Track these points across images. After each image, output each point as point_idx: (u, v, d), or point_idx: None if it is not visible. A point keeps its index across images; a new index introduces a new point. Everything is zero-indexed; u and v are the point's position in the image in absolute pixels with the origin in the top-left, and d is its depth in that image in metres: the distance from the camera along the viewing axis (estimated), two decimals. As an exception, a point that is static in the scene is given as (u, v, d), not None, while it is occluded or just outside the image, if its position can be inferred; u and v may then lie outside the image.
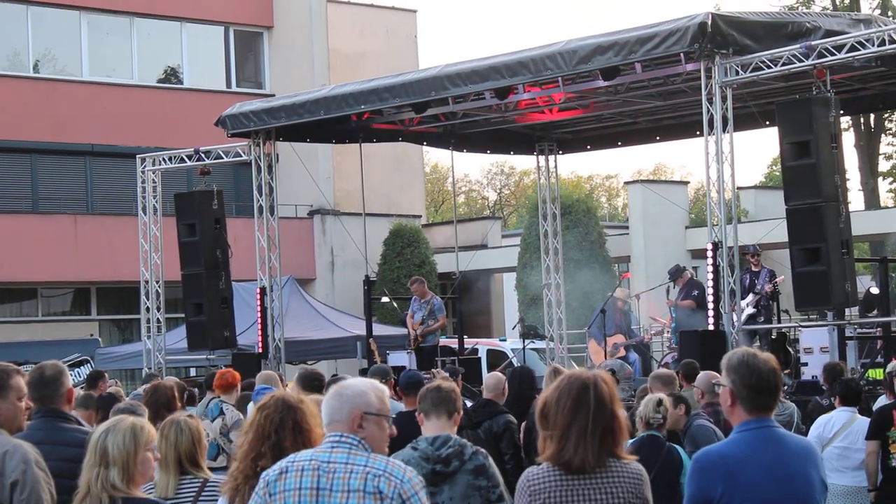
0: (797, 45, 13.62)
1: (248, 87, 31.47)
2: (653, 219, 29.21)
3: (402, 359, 17.54)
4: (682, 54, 14.36)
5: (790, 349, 15.80)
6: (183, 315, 20.17)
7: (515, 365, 16.06)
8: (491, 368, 19.05)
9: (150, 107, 29.24)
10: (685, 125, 19.00)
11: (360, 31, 32.54)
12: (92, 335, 26.67)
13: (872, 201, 37.23)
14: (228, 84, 31.33)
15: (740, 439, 4.59)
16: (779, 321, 16.26)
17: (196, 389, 13.64)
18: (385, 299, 21.25)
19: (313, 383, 8.76)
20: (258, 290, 18.77)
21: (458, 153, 21.42)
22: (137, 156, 20.56)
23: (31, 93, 28.10)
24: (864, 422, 9.56)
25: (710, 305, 14.39)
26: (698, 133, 16.49)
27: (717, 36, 13.75)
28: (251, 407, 10.57)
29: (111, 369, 20.72)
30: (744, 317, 15.43)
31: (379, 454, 4.42)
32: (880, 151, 39.77)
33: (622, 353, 18.02)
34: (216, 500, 5.55)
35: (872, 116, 37.18)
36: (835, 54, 13.34)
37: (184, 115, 28.96)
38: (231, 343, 18.72)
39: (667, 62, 15.32)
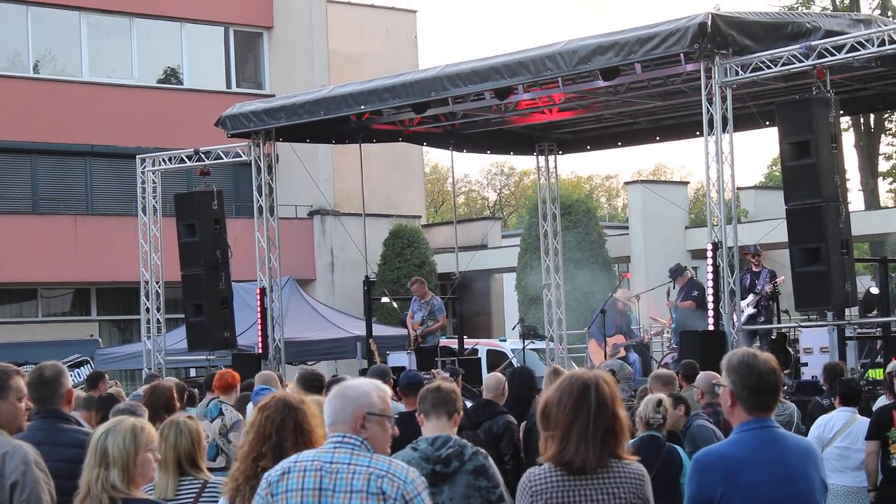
0: (797, 46, 13.63)
1: (248, 87, 31.48)
2: (653, 219, 29.21)
3: (401, 359, 17.54)
4: (681, 54, 14.36)
5: (790, 349, 15.80)
6: (183, 315, 20.17)
7: (515, 365, 16.06)
8: (491, 369, 19.04)
9: (150, 107, 29.25)
10: (685, 125, 19.00)
11: (360, 32, 32.54)
12: (92, 336, 26.68)
13: (872, 201, 37.24)
14: (228, 84, 31.34)
15: (740, 439, 4.59)
16: (779, 321, 16.25)
17: (196, 390, 13.65)
18: (385, 300, 21.25)
19: (313, 384, 8.76)
20: (258, 291, 18.77)
21: (457, 153, 21.44)
22: (137, 156, 20.57)
23: (31, 93, 28.10)
24: (864, 422, 9.56)
25: (710, 306, 14.39)
26: (698, 133, 16.49)
27: (716, 36, 13.76)
28: (250, 407, 10.60)
29: (111, 370, 20.70)
30: (744, 317, 15.43)
31: (381, 455, 4.42)
32: (880, 151, 39.78)
33: (622, 353, 18.02)
34: (216, 502, 5.55)
35: (872, 116, 37.19)
36: (835, 54, 13.34)
37: (184, 116, 28.97)
38: (231, 343, 18.72)
39: (667, 62, 15.32)
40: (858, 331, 15.78)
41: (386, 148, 26.38)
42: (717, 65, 13.95)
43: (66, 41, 29.17)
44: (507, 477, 7.19)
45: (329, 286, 29.96)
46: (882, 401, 10.43)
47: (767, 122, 15.89)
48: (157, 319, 20.03)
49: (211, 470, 6.03)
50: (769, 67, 13.80)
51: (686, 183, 40.51)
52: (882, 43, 13.08)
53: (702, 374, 9.78)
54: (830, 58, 13.37)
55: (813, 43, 13.53)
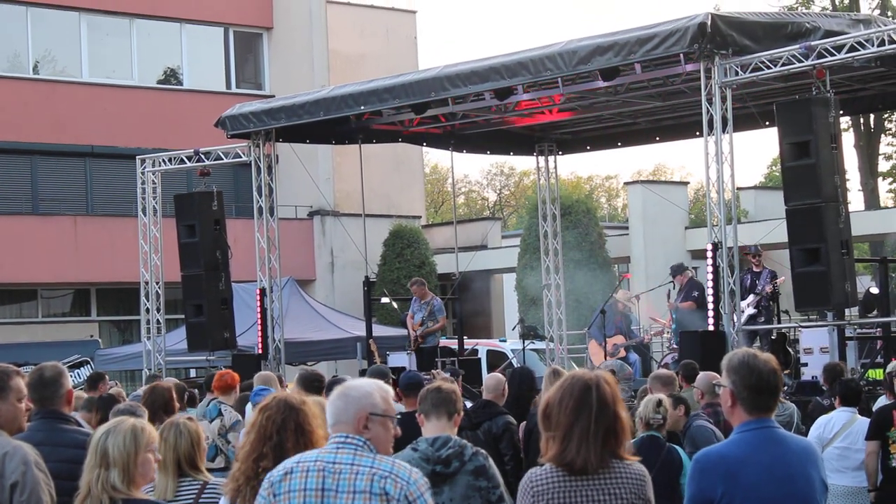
0: (797, 46, 13.63)
1: (248, 88, 31.48)
2: (652, 219, 29.21)
3: (402, 360, 17.54)
4: (681, 55, 14.36)
5: (790, 349, 15.80)
6: (183, 316, 20.17)
7: (515, 366, 16.06)
8: (491, 369, 19.04)
9: (150, 108, 29.25)
10: (685, 126, 19.00)
11: (360, 32, 32.55)
12: (92, 336, 26.68)
13: (872, 201, 37.24)
14: (228, 85, 31.34)
15: (741, 440, 4.59)
16: (779, 321, 16.25)
17: (196, 391, 13.65)
18: (385, 300, 21.25)
19: (313, 384, 8.76)
20: (258, 291, 18.77)
21: (457, 154, 21.45)
22: (137, 157, 20.57)
23: (31, 94, 28.10)
24: (864, 422, 9.56)
25: (710, 306, 14.39)
26: (698, 133, 16.49)
27: (716, 36, 13.76)
28: (249, 408, 10.60)
29: (111, 370, 20.72)
30: (745, 317, 15.43)
31: (384, 455, 4.42)
32: (880, 152, 39.78)
33: (622, 353, 18.02)
34: (216, 502, 5.55)
35: (872, 117, 37.19)
36: (834, 55, 13.34)
37: (183, 116, 28.97)
38: (231, 344, 18.72)
39: (666, 63, 15.32)
40: (858, 331, 15.78)
41: (386, 148, 26.38)
42: (716, 65, 13.95)
43: (65, 42, 29.17)
44: (506, 477, 7.19)
45: (329, 287, 29.96)
46: (882, 401, 10.43)
47: (767, 123, 15.89)
48: (157, 320, 20.03)
49: (210, 470, 6.03)
50: (769, 67, 13.80)
51: (686, 183, 40.51)
52: (882, 43, 13.08)
53: (702, 375, 9.78)
54: (830, 58, 13.37)
55: (813, 43, 13.53)
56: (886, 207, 37.36)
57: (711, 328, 14.22)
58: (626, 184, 39.37)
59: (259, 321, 18.69)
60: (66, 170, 29.18)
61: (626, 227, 31.73)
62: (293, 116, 18.06)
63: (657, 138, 20.44)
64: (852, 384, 10.11)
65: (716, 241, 14.34)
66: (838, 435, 9.60)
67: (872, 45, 13.15)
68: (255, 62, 32.19)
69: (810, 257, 13.34)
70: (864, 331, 16.18)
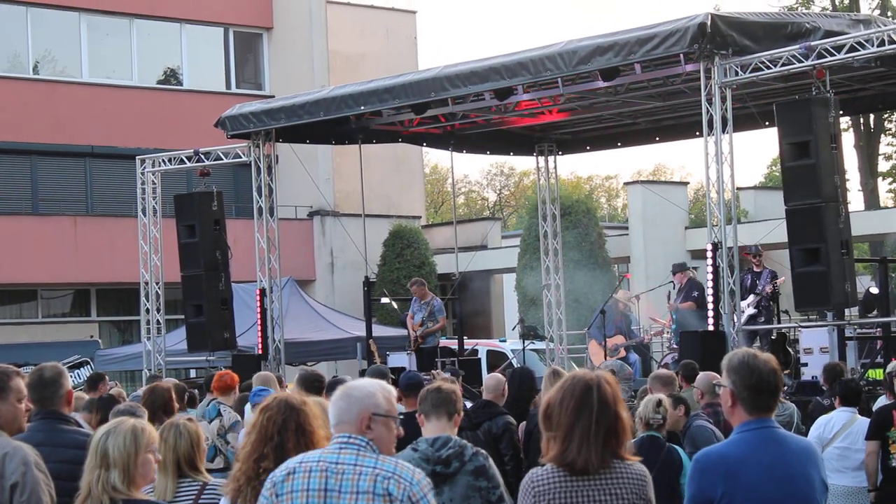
0: (797, 46, 13.63)
1: (248, 88, 31.48)
2: (652, 219, 29.20)
3: (402, 360, 17.55)
4: (681, 55, 14.36)
5: (790, 350, 15.80)
6: (183, 316, 20.17)
7: (515, 366, 16.05)
8: (491, 369, 19.04)
9: (150, 108, 29.25)
10: (685, 126, 19.00)
11: (360, 32, 32.55)
12: (92, 337, 26.68)
13: (872, 201, 37.24)
14: (228, 85, 31.34)
15: (741, 440, 4.59)
16: (779, 322, 16.26)
17: (196, 391, 13.65)
18: (385, 300, 21.25)
19: (313, 384, 8.76)
20: (258, 292, 18.77)
21: (457, 154, 21.45)
22: (137, 157, 20.57)
23: (30, 94, 28.10)
24: (864, 422, 9.56)
25: (710, 306, 14.39)
26: (698, 133, 16.49)
27: (716, 36, 13.76)
28: (248, 408, 10.60)
29: (111, 371, 20.71)
30: (745, 317, 15.43)
31: (387, 455, 4.42)
32: (880, 152, 39.79)
33: (622, 353, 18.02)
34: (215, 503, 5.56)
35: (872, 117, 37.20)
36: (834, 55, 13.34)
37: (183, 117, 28.97)
38: (231, 344, 18.72)
39: (666, 63, 15.32)
40: (858, 331, 15.78)
41: (386, 148, 26.38)
42: (716, 65, 13.95)
43: (65, 42, 29.17)
44: (506, 477, 7.19)
45: (329, 287, 29.96)
46: (882, 401, 10.42)
47: (767, 123, 15.89)
48: (157, 320, 20.03)
49: (209, 471, 6.03)
50: (769, 68, 13.80)
51: (686, 183, 40.50)
52: (882, 43, 13.08)
53: (702, 375, 9.78)
54: (830, 58, 13.37)
55: (812, 43, 13.53)
56: (886, 207, 37.36)
57: (711, 328, 14.22)
58: (626, 184, 39.37)
59: (259, 321, 18.69)
60: (66, 170, 29.18)
61: (626, 228, 31.72)
62: (293, 117, 18.06)
63: (657, 138, 20.44)
64: (852, 384, 10.11)
65: (716, 241, 14.34)
66: (838, 435, 9.60)
67: (872, 46, 13.15)
68: (254, 62, 32.19)
69: (810, 257, 13.34)
70: (864, 331, 16.18)
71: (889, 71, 15.20)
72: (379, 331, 20.31)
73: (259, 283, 18.81)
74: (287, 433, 4.77)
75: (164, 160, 20.10)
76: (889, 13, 37.53)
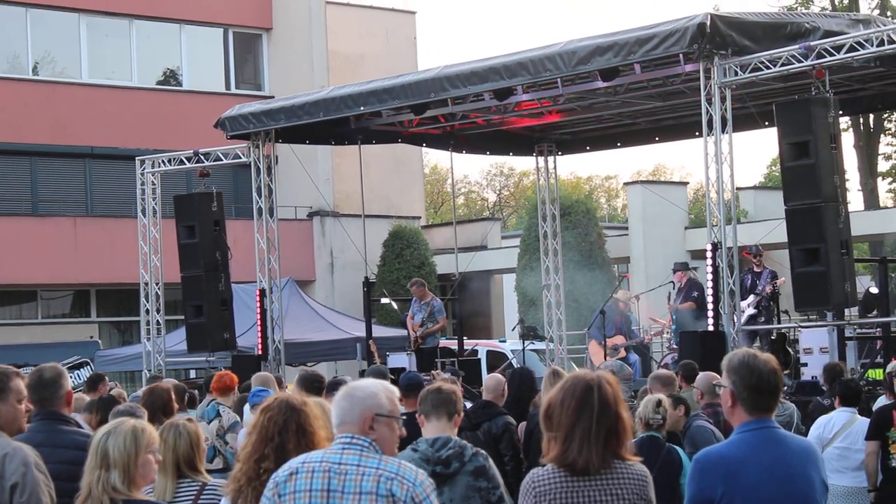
0: (796, 46, 13.63)
1: (248, 88, 31.47)
2: (652, 219, 29.20)
3: (401, 360, 17.54)
4: (681, 55, 14.36)
5: (790, 350, 15.80)
6: (183, 317, 20.17)
7: (515, 366, 16.05)
8: (490, 370, 19.03)
9: (150, 109, 29.24)
10: (684, 126, 19.01)
11: (360, 33, 32.54)
12: (91, 337, 26.67)
13: (872, 202, 37.25)
14: (228, 86, 31.33)
15: (741, 440, 4.59)
16: (778, 322, 16.26)
17: (196, 392, 13.65)
18: (385, 300, 21.24)
19: (313, 385, 8.76)
20: (258, 292, 18.76)
21: (457, 154, 21.44)
22: (137, 158, 20.57)
23: (30, 95, 28.10)
24: (863, 422, 9.55)
25: (710, 306, 14.38)
26: (697, 134, 16.49)
27: (716, 36, 13.76)
28: (246, 409, 10.61)
29: (111, 372, 20.73)
30: (745, 317, 15.43)
31: (390, 456, 4.42)
32: (879, 152, 39.79)
33: (622, 353, 18.02)
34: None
35: (872, 117, 37.20)
36: (834, 55, 13.34)
37: (183, 117, 28.97)
38: (231, 345, 18.72)
39: (666, 63, 15.32)
40: (858, 331, 15.78)
41: (385, 149, 26.38)
42: (716, 65, 13.95)
43: (65, 43, 29.17)
44: (506, 478, 7.19)
45: (329, 287, 29.95)
46: (882, 401, 10.42)
47: (767, 123, 15.90)
48: (157, 321, 20.03)
49: (208, 472, 6.03)
50: (768, 68, 13.80)
51: (685, 183, 40.50)
52: (881, 43, 13.08)
53: (701, 375, 9.77)
54: (829, 58, 13.37)
55: (812, 43, 13.53)
56: (886, 207, 37.36)
57: (711, 328, 14.22)
58: (626, 184, 39.36)
59: (259, 322, 18.69)
60: (66, 171, 29.18)
61: (626, 228, 31.72)
62: (293, 117, 18.06)
63: (657, 138, 20.45)
64: (852, 384, 10.11)
65: (715, 241, 14.34)
66: (838, 435, 9.60)
67: (872, 46, 13.15)
68: (254, 63, 32.19)
69: (810, 257, 13.34)
70: (864, 331, 16.18)
71: (888, 71, 15.20)
72: (379, 331, 20.30)
73: (259, 283, 18.81)
74: (288, 434, 4.77)
75: (163, 161, 20.10)
76: (888, 13, 37.53)
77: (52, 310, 29.61)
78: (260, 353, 18.41)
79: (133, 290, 22.36)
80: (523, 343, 19.52)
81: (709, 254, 14.40)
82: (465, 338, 20.26)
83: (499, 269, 31.62)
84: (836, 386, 10.18)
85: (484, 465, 6.05)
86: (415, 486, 4.29)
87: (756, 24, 14.36)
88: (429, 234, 32.21)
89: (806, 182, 13.31)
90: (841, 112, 15.71)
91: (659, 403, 7.97)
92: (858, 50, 13.24)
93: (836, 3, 37.76)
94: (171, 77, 31.10)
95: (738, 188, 26.15)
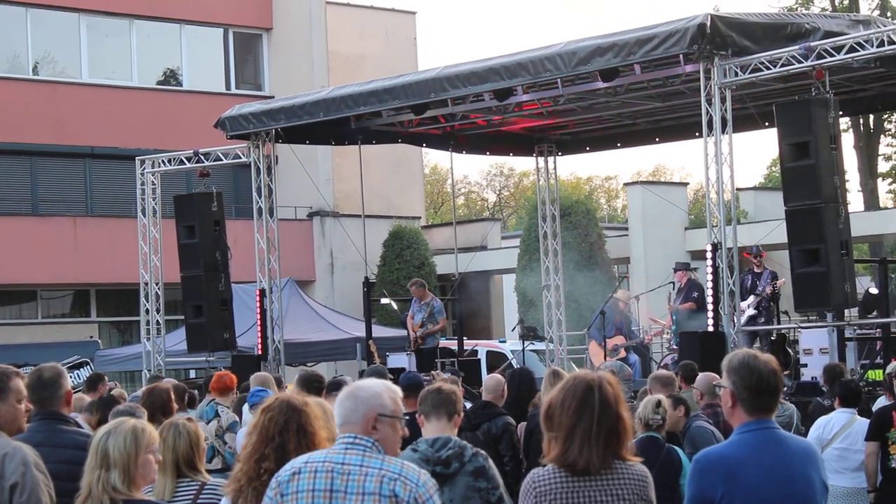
0: (796, 47, 13.63)
1: (248, 88, 31.47)
2: (652, 220, 29.20)
3: (401, 360, 17.54)
4: (681, 55, 14.36)
5: (790, 350, 15.80)
6: (182, 317, 20.17)
7: (515, 366, 16.05)
8: (490, 370, 19.03)
9: (150, 109, 29.24)
10: (684, 126, 19.00)
11: (360, 33, 32.55)
12: (91, 337, 26.66)
13: (872, 202, 37.25)
14: (228, 86, 31.33)
15: (741, 441, 4.59)
16: (778, 322, 16.25)
17: (196, 392, 13.65)
18: (385, 301, 21.24)
19: (313, 385, 8.76)
20: (258, 292, 18.76)
21: (457, 154, 21.44)
22: (137, 158, 20.57)
23: (31, 95, 28.10)
24: (863, 423, 9.55)
25: (710, 307, 14.38)
26: (697, 134, 16.48)
27: (716, 37, 13.76)
28: (245, 409, 10.60)
29: (111, 371, 20.73)
30: (745, 318, 15.42)
31: (392, 456, 4.42)
32: (879, 152, 39.80)
33: (622, 354, 18.02)
34: (214, 503, 5.56)
35: (872, 117, 37.20)
36: (834, 55, 13.34)
37: (183, 117, 28.97)
38: (231, 345, 18.71)
39: (666, 63, 15.32)
40: (858, 332, 15.78)
41: (385, 149, 26.38)
42: (716, 66, 13.95)
43: (65, 43, 29.17)
44: (506, 478, 7.19)
45: (329, 287, 29.95)
46: (882, 402, 10.42)
47: (767, 123, 15.89)
48: (157, 321, 20.03)
49: (207, 472, 6.02)
50: (768, 68, 13.80)
51: (685, 184, 40.48)
52: (881, 44, 13.08)
53: (701, 376, 9.77)
54: (830, 59, 13.37)
55: (812, 44, 13.53)
56: (886, 208, 37.37)
57: (711, 329, 14.21)
58: (626, 184, 39.36)
59: (259, 322, 18.68)
60: (66, 171, 29.18)
61: (626, 228, 31.72)
62: (293, 117, 18.06)
63: (657, 139, 20.45)
64: (852, 385, 10.10)
65: (715, 241, 14.33)
66: (837, 436, 9.59)
67: (872, 46, 13.15)
68: (254, 63, 32.19)
69: (810, 258, 13.34)
70: (864, 331, 16.18)
71: (889, 71, 15.20)
72: (379, 331, 20.30)
73: (259, 283, 18.81)
74: (288, 434, 4.76)
75: (163, 161, 20.10)
76: (889, 14, 37.53)
77: (52, 310, 29.61)
78: (260, 353, 18.40)
79: (133, 290, 22.36)
80: (523, 343, 19.52)
81: (709, 254, 14.40)
82: (464, 338, 20.26)
83: (499, 269, 31.62)
84: (836, 387, 10.17)
85: (484, 466, 6.05)
86: (418, 487, 4.29)
87: (756, 25, 14.36)
88: (429, 234, 32.21)
89: (806, 183, 13.31)
90: (841, 113, 15.71)
91: (658, 404, 7.97)
92: (858, 51, 13.23)
93: (837, 4, 37.77)
94: (171, 77, 31.10)
95: (738, 189, 26.12)
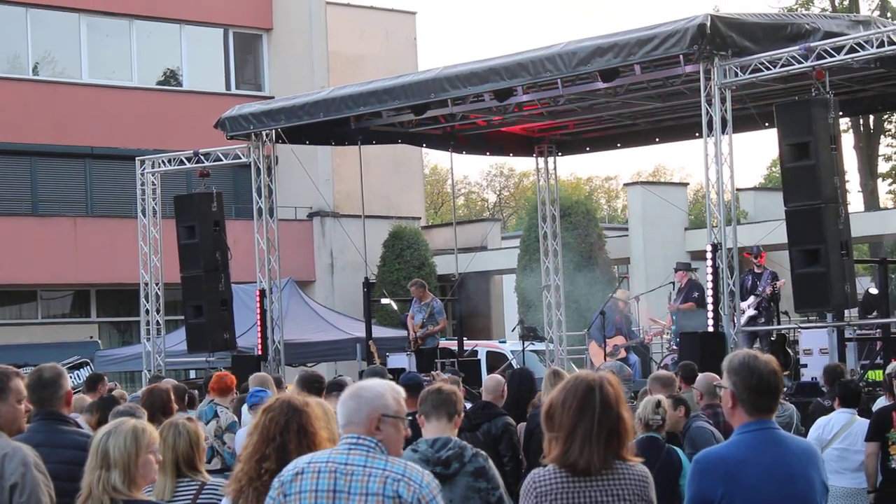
0: (796, 47, 13.63)
1: (248, 89, 31.47)
2: (652, 220, 29.20)
3: (401, 361, 17.54)
4: (681, 56, 14.36)
5: (790, 351, 15.79)
6: (182, 317, 20.17)
7: (515, 367, 16.04)
8: (490, 370, 19.03)
9: (150, 109, 29.25)
10: (684, 127, 19.00)
11: (360, 34, 32.55)
12: (91, 337, 26.67)
13: (872, 203, 37.25)
14: (228, 86, 31.33)
15: (741, 441, 4.59)
16: (778, 323, 16.25)
17: (196, 392, 13.65)
18: (385, 301, 21.24)
19: (313, 385, 8.76)
20: (258, 293, 18.76)
21: (457, 155, 21.43)
22: (137, 158, 20.57)
23: (31, 95, 28.10)
24: (863, 423, 9.55)
25: (710, 307, 14.38)
26: (697, 135, 16.48)
27: (716, 37, 13.76)
28: (244, 409, 10.59)
29: (111, 372, 20.73)
30: (745, 318, 15.42)
31: (396, 457, 4.42)
32: (879, 153, 39.80)
33: (622, 354, 18.01)
34: (214, 503, 5.55)
35: (872, 118, 37.20)
36: (834, 56, 13.34)
37: (183, 118, 28.97)
38: (231, 345, 18.71)
39: (666, 64, 15.32)
40: (858, 332, 15.77)
41: (385, 149, 26.38)
42: (716, 66, 13.95)
43: (65, 43, 29.17)
44: (506, 479, 7.18)
45: (329, 288, 29.95)
46: (881, 402, 10.42)
47: (767, 124, 15.89)
48: (157, 321, 20.03)
49: (207, 472, 6.02)
50: (768, 69, 13.80)
51: (685, 184, 40.49)
52: (881, 44, 13.08)
53: (701, 376, 9.77)
54: (830, 59, 13.37)
55: (812, 44, 13.53)
56: (886, 208, 37.36)
57: (711, 329, 14.21)
58: (626, 185, 39.36)
59: (259, 322, 18.68)
60: (66, 171, 29.18)
61: (626, 229, 31.72)
62: (293, 118, 18.06)
63: (657, 139, 20.44)
64: (852, 385, 10.10)
65: (715, 242, 14.33)
66: (837, 436, 9.59)
67: (872, 47, 13.15)
68: (254, 63, 32.19)
69: (810, 258, 13.34)
70: (864, 332, 16.17)
71: (889, 72, 15.20)
72: (379, 332, 20.30)
73: (259, 283, 18.81)
74: (289, 434, 4.76)
75: (163, 161, 20.10)
76: (889, 14, 37.53)
77: (52, 310, 29.61)
78: (260, 353, 18.41)
79: (133, 290, 22.36)
80: (523, 344, 19.52)
81: (709, 255, 14.39)
82: (464, 338, 20.25)
83: (499, 269, 31.62)
84: (836, 387, 10.17)
85: (484, 466, 6.05)
86: (421, 488, 4.29)
87: (756, 25, 14.36)
88: (429, 234, 32.21)
89: (806, 183, 13.31)
90: (841, 113, 15.70)
91: (658, 404, 7.97)
92: (858, 51, 13.23)
93: (837, 4, 37.76)
94: (171, 77, 31.10)
95: (738, 189, 26.10)
